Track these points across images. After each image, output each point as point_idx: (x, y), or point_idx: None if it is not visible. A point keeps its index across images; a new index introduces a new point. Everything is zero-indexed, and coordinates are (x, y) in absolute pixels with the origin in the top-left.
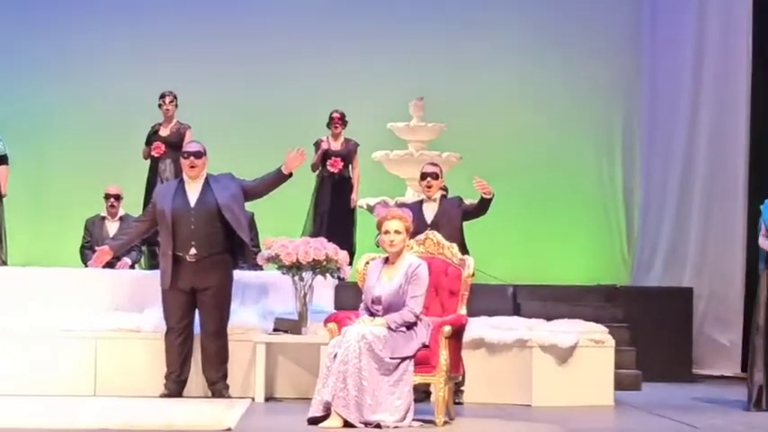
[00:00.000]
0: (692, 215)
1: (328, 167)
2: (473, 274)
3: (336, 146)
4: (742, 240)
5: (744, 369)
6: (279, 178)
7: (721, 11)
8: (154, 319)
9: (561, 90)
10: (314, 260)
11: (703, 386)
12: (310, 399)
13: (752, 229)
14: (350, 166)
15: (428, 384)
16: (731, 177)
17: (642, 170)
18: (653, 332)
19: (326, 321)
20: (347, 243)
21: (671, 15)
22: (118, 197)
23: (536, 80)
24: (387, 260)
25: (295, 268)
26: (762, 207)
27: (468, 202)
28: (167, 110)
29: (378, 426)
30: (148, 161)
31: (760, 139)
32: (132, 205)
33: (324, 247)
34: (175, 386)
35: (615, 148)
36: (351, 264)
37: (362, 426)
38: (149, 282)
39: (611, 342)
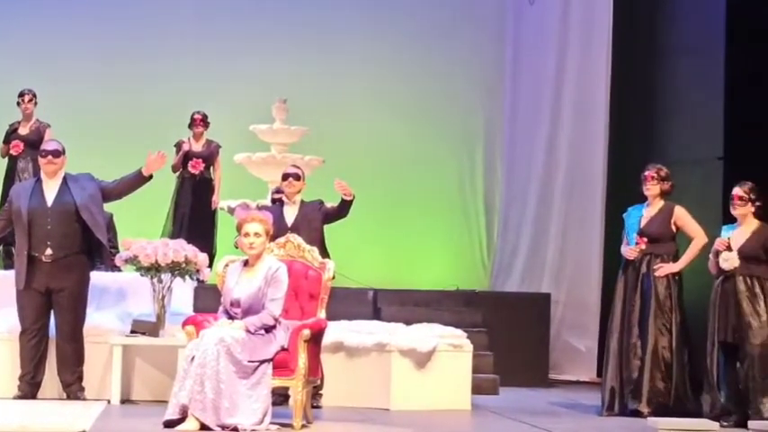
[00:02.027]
0: (551, 222)
1: (189, 169)
2: (333, 278)
3: (198, 147)
4: (599, 248)
5: (599, 374)
6: (138, 180)
7: (583, 17)
8: (8, 320)
9: (423, 95)
10: (173, 262)
11: (559, 391)
12: (167, 402)
13: (609, 236)
14: (211, 167)
15: (286, 388)
16: (590, 185)
17: (503, 176)
18: (511, 337)
19: (184, 324)
20: (207, 245)
21: (534, 21)
22: None
23: (398, 84)
24: (246, 263)
25: (153, 270)
26: (624, 216)
27: (329, 205)
28: (26, 108)
29: (235, 429)
30: (6, 160)
31: (619, 147)
32: None
33: (183, 249)
34: (29, 388)
35: (476, 154)
36: (211, 266)
37: (219, 429)
38: (4, 282)
39: (470, 347)
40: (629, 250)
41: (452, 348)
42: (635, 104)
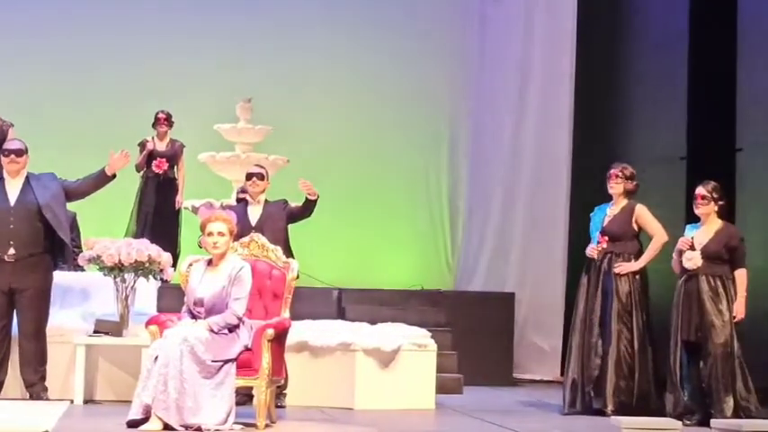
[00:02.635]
0: (515, 222)
1: (153, 168)
2: (297, 278)
3: (162, 146)
4: (563, 247)
5: (563, 373)
6: (102, 179)
7: (547, 18)
8: None
9: (388, 95)
10: (136, 261)
11: (524, 390)
12: (130, 401)
13: (573, 236)
14: (175, 167)
15: (250, 387)
16: (554, 185)
17: (467, 176)
18: (475, 337)
19: (148, 323)
20: (171, 245)
21: (498, 21)
22: None
23: (362, 84)
24: (210, 262)
25: (117, 270)
26: (591, 215)
27: (293, 204)
28: None
29: (198, 429)
30: None
31: (583, 147)
32: None
33: (147, 249)
34: None
35: (441, 154)
36: (174, 265)
37: (183, 429)
38: None
39: (434, 346)
40: (591, 249)
41: (417, 348)
42: (599, 105)
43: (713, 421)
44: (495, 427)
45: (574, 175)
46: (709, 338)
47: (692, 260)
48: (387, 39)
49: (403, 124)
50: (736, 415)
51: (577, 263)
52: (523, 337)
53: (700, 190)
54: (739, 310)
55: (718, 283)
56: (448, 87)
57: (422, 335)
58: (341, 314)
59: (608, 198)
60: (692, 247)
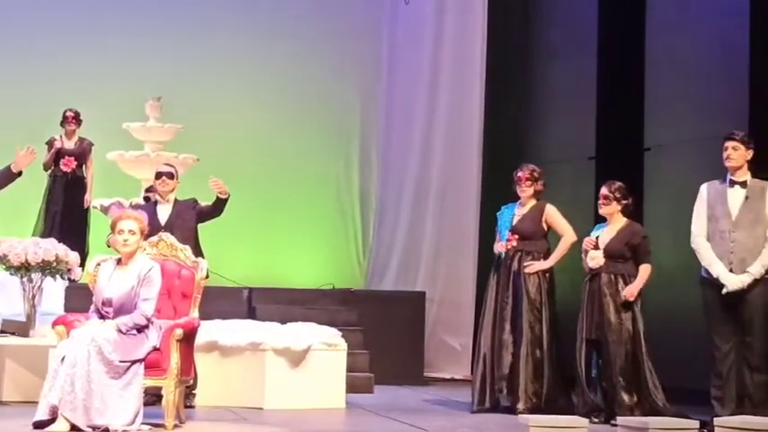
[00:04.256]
0: (426, 221)
1: (61, 167)
2: (207, 277)
3: (70, 145)
4: (474, 246)
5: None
6: (8, 176)
7: (458, 18)
8: None
9: (299, 93)
10: (43, 261)
11: (434, 389)
12: (37, 402)
13: (484, 235)
14: (83, 165)
15: (159, 388)
16: (465, 184)
17: (378, 175)
18: (386, 336)
19: (55, 324)
20: (79, 244)
21: (409, 21)
22: None
23: (274, 83)
24: (119, 261)
25: (24, 269)
26: (498, 214)
27: (203, 203)
28: None
29: (106, 430)
30: None
31: (493, 146)
32: None
33: (54, 248)
34: None
35: (352, 153)
36: (82, 265)
37: (90, 430)
38: None
39: (344, 345)
40: (499, 245)
41: (327, 347)
42: (509, 105)
43: (620, 419)
44: (404, 425)
45: (484, 174)
46: (607, 336)
47: (595, 259)
48: (297, 38)
49: (314, 123)
50: (643, 412)
51: (488, 262)
52: (434, 335)
53: (603, 190)
54: (630, 291)
55: (620, 280)
56: (359, 87)
57: (332, 334)
58: (251, 314)
59: (518, 197)
60: (596, 247)
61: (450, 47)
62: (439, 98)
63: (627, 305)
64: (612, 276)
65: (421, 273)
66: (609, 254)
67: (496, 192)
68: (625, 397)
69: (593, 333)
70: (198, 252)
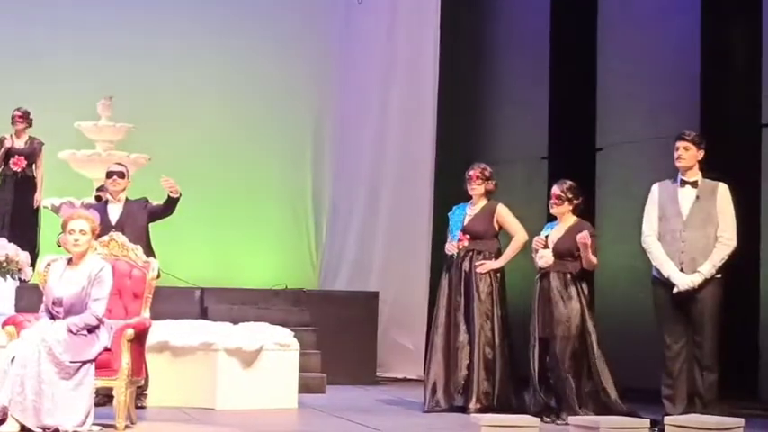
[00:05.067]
0: (378, 220)
1: (11, 166)
2: (158, 277)
3: (20, 144)
4: (427, 246)
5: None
6: None
7: (411, 16)
8: None
9: (251, 92)
10: None
11: (387, 389)
12: None
13: (436, 235)
14: (34, 165)
15: (110, 388)
16: (418, 183)
17: (331, 175)
18: (339, 336)
19: (5, 324)
20: (30, 244)
21: (362, 19)
22: None
23: (225, 81)
24: (70, 261)
25: None
26: (449, 214)
27: (154, 203)
28: None
29: (56, 430)
30: None
31: (447, 145)
32: None
33: (4, 248)
34: None
35: (305, 152)
36: (33, 265)
37: (40, 430)
38: None
39: (297, 345)
40: (450, 245)
41: (279, 347)
42: (463, 104)
43: (571, 418)
44: (357, 425)
45: (437, 174)
46: (555, 332)
47: (544, 258)
48: (250, 37)
49: (266, 123)
50: (595, 407)
51: (441, 261)
52: (387, 335)
53: (555, 190)
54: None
55: (569, 278)
56: (312, 86)
57: (285, 334)
58: (203, 314)
59: (470, 197)
60: (545, 246)
61: (402, 47)
62: (392, 98)
63: (573, 301)
64: (561, 275)
65: (374, 273)
66: (558, 252)
67: (449, 192)
68: (568, 396)
69: (542, 331)
70: (149, 252)
